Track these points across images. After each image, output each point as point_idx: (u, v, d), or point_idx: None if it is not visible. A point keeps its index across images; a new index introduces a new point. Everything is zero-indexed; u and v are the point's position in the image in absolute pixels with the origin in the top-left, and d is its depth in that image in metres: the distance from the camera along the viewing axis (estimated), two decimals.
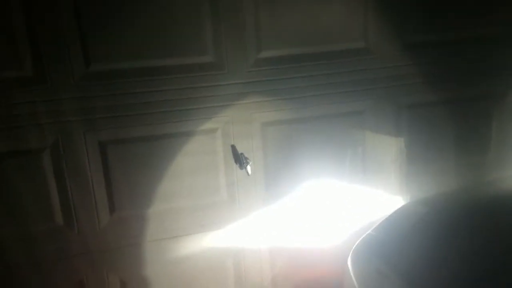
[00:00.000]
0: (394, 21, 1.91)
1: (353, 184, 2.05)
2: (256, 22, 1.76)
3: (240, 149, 1.87)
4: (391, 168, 2.08)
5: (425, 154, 2.10)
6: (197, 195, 1.88)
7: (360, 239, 1.72)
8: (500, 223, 1.65)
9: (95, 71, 1.65)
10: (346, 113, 1.97)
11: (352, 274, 1.61)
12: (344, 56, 1.89)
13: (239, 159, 1.85)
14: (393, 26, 1.91)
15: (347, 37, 1.89)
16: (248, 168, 1.83)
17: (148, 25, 1.67)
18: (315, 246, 2.05)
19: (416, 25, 1.94)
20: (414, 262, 1.51)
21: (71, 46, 1.61)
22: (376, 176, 2.07)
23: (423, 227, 1.67)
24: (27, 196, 1.70)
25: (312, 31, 1.84)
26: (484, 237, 1.57)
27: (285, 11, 1.78)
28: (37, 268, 1.77)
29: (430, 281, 1.43)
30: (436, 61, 2.00)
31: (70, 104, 1.65)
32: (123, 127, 1.73)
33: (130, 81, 1.69)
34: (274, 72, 1.83)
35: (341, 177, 2.02)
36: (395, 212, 1.84)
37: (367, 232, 1.73)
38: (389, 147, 2.06)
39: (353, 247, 1.71)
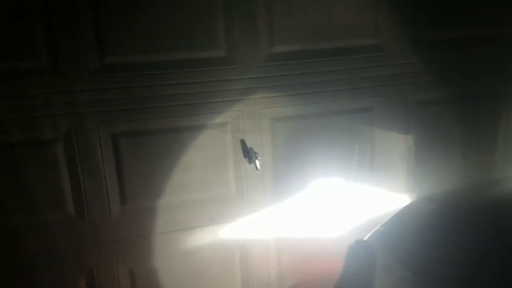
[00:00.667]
0: (405, 19, 1.92)
1: (360, 181, 2.06)
2: (269, 17, 1.77)
3: (249, 144, 1.89)
4: (399, 165, 2.10)
5: (433, 151, 2.11)
6: (207, 188, 1.90)
7: (369, 234, 1.74)
8: (507, 221, 1.66)
9: (109, 63, 1.67)
10: (355, 109, 1.98)
11: None
12: (355, 53, 1.90)
13: (248, 154, 1.87)
14: (404, 23, 1.92)
15: (358, 34, 1.89)
16: (257, 162, 1.85)
17: (162, 19, 1.68)
18: (322, 241, 2.07)
19: (427, 23, 1.95)
20: (421, 256, 1.53)
21: (87, 39, 1.62)
22: (384, 173, 2.08)
23: (431, 223, 1.69)
24: (40, 186, 1.72)
25: (324, 27, 1.84)
26: (490, 235, 1.58)
27: (298, 7, 1.79)
28: (48, 257, 1.80)
29: (436, 275, 1.45)
30: (446, 59, 2.01)
31: (84, 96, 1.67)
32: (135, 120, 1.75)
33: (143, 74, 1.71)
34: (285, 68, 1.85)
35: (349, 173, 2.04)
36: (403, 208, 1.85)
37: (375, 228, 1.75)
38: (397, 144, 2.07)
39: None
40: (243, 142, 1.89)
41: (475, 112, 2.12)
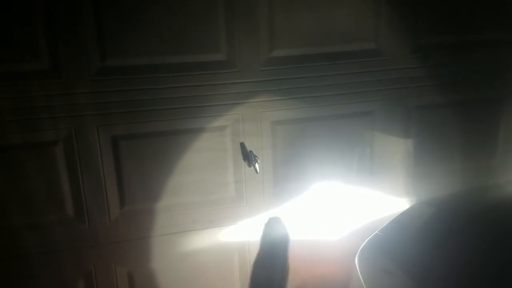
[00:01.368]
0: (405, 23, 1.92)
1: (360, 184, 2.06)
2: (270, 21, 1.78)
3: (249, 147, 1.89)
4: (399, 169, 2.10)
5: (433, 156, 2.11)
6: (206, 191, 1.90)
7: (368, 239, 1.74)
8: (506, 226, 1.66)
9: (110, 66, 1.67)
10: (355, 113, 1.98)
11: (359, 272, 1.63)
12: (355, 57, 1.90)
13: (248, 157, 1.87)
14: (404, 28, 1.92)
15: (359, 38, 1.90)
16: (257, 165, 1.85)
17: (163, 23, 1.69)
18: (322, 244, 2.07)
19: (427, 28, 1.95)
20: (420, 261, 1.53)
21: (88, 41, 1.63)
22: (383, 176, 2.08)
23: (430, 228, 1.69)
24: (39, 187, 1.72)
25: (324, 31, 1.85)
26: (490, 239, 1.58)
27: (298, 11, 1.80)
28: (46, 258, 1.80)
29: (436, 280, 1.45)
30: (446, 63, 2.01)
31: (85, 98, 1.67)
32: (135, 122, 1.75)
33: (144, 77, 1.71)
34: (285, 72, 1.85)
35: (348, 177, 2.04)
36: (403, 213, 1.85)
37: (374, 232, 1.75)
38: (397, 149, 2.07)
39: (361, 247, 1.73)
40: (242, 145, 1.89)
41: (475, 116, 2.12)
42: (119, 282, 1.91)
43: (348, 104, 1.95)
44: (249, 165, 1.88)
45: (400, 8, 1.90)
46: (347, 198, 2.06)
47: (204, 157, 1.86)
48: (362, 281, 1.58)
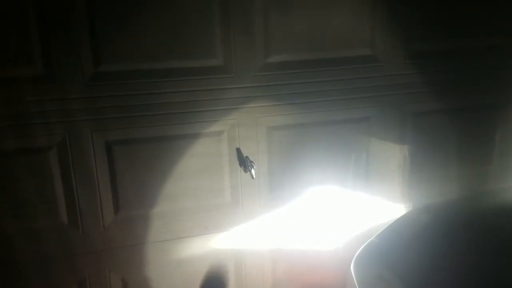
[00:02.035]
0: (401, 30, 1.92)
1: (356, 190, 2.05)
2: (265, 27, 1.77)
3: (245, 153, 1.88)
4: (395, 175, 2.10)
5: (429, 162, 2.11)
6: (202, 197, 1.89)
7: (363, 245, 1.73)
8: (502, 232, 1.66)
9: (104, 71, 1.66)
10: (351, 119, 1.98)
11: (355, 280, 1.61)
12: (351, 63, 1.90)
13: (244, 162, 1.86)
14: (400, 34, 1.93)
15: (354, 44, 1.90)
16: (253, 171, 1.84)
17: (158, 28, 1.68)
18: (317, 251, 2.06)
19: (422, 34, 1.96)
20: (416, 269, 1.52)
21: (82, 46, 1.62)
22: (379, 182, 2.08)
23: (426, 234, 1.68)
24: (33, 193, 1.71)
25: (320, 37, 1.85)
26: (486, 246, 1.58)
27: (294, 17, 1.80)
28: (40, 265, 1.78)
29: (432, 287, 1.44)
30: (442, 70, 2.01)
31: (79, 103, 1.66)
32: (130, 127, 1.74)
33: (139, 82, 1.71)
34: (281, 77, 1.85)
35: (344, 182, 2.03)
36: (398, 219, 1.85)
37: (370, 239, 1.74)
38: (393, 154, 2.07)
39: (356, 254, 1.72)
40: (238, 151, 1.88)
41: (471, 122, 2.13)
42: None
43: (344, 110, 1.95)
44: (245, 171, 1.87)
45: (395, 14, 1.90)
46: (343, 203, 2.05)
47: (200, 163, 1.85)
48: None
